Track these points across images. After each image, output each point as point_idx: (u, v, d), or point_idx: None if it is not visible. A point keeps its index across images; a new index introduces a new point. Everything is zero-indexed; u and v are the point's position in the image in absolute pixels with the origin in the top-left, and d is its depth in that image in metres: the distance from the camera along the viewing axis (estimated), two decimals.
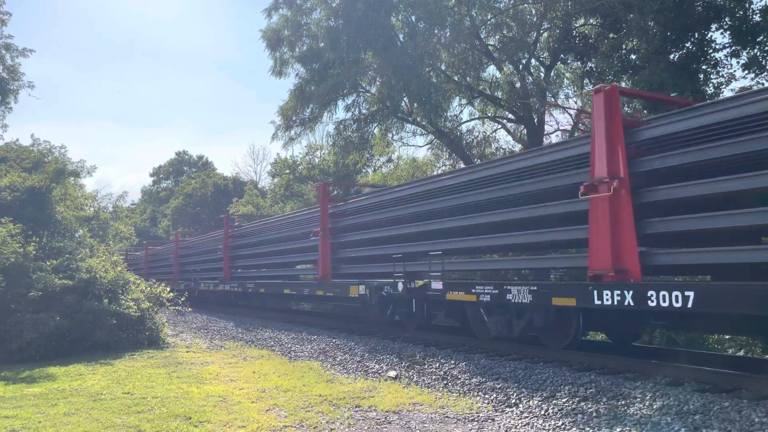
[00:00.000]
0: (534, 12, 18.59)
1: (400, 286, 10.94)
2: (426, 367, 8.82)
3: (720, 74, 13.34)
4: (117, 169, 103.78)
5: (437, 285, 10.09)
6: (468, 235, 10.47)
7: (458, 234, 10.66)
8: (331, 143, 22.75)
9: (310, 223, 15.35)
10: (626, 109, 15.65)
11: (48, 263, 12.45)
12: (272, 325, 15.41)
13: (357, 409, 6.66)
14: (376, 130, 22.04)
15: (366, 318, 13.32)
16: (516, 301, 8.34)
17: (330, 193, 15.69)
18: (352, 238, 14.08)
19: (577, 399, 6.46)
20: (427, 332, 11.33)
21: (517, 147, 21.84)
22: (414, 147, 47.23)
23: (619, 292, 6.90)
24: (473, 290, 9.17)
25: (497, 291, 8.69)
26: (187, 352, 11.96)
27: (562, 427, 5.66)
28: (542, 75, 19.25)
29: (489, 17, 18.70)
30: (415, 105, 19.35)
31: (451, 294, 9.74)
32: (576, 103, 20.42)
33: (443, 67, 19.63)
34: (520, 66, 19.19)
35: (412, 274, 11.18)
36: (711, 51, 13.20)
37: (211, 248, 23.60)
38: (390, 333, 12.31)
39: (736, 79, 13.50)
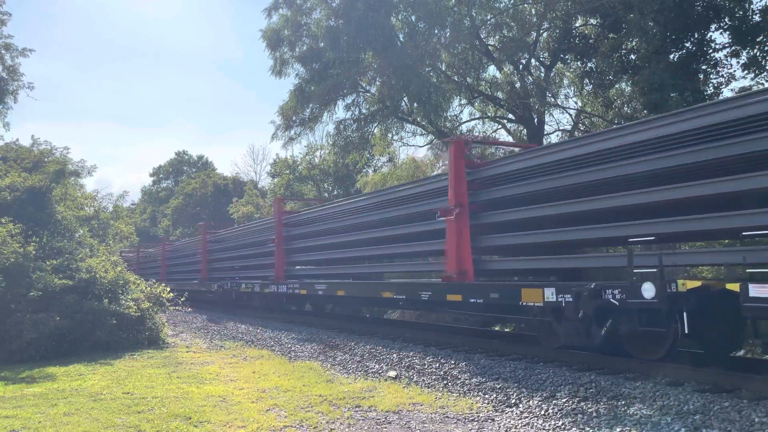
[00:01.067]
0: (534, 12, 18.59)
1: (649, 290, 6.76)
2: (426, 367, 8.82)
3: (720, 74, 13.35)
4: (117, 169, 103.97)
5: None
6: None
7: None
8: (331, 143, 22.75)
9: (427, 198, 11.45)
10: (626, 108, 15.67)
11: (48, 263, 12.45)
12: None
13: (357, 409, 6.66)
14: (376, 130, 22.04)
15: (552, 338, 8.58)
16: None
17: (464, 155, 10.60)
18: (513, 217, 9.65)
19: (577, 399, 6.46)
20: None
21: (517, 147, 21.84)
22: (414, 147, 47.34)
23: None
24: None
25: None
26: (187, 352, 11.96)
27: (562, 427, 5.66)
28: (542, 75, 19.24)
29: (489, 17, 18.71)
30: (415, 105, 19.34)
31: None
32: (576, 103, 20.43)
33: (443, 67, 19.63)
34: (520, 66, 19.19)
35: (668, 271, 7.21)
36: (711, 51, 13.20)
37: (254, 240, 19.55)
38: (390, 333, 12.23)
39: (735, 79, 13.51)
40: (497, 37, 19.40)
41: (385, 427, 5.93)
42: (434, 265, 11.30)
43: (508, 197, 9.79)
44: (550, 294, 8.00)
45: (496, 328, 14.50)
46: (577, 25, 17.49)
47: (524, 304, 8.42)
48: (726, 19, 12.79)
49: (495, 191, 10.11)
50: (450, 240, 10.10)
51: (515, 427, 5.77)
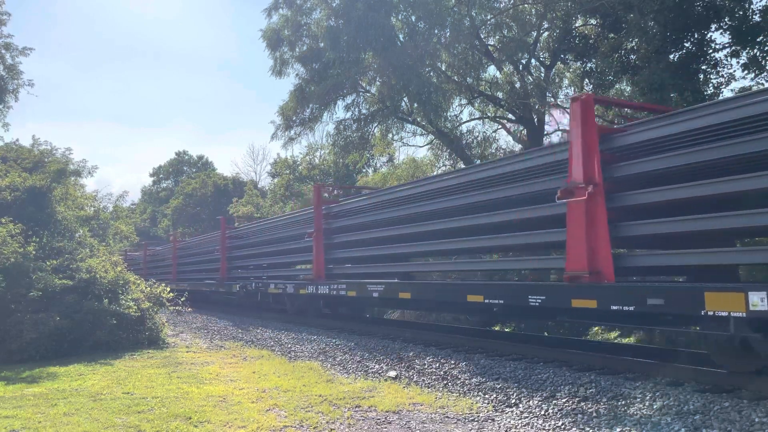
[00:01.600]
0: (534, 12, 18.59)
1: None
2: (426, 367, 8.82)
3: (720, 74, 13.33)
4: (117, 169, 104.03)
5: None
6: None
7: None
8: (331, 143, 22.74)
9: (525, 180, 8.72)
10: (626, 108, 15.64)
11: (48, 263, 12.45)
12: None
13: (357, 409, 6.66)
14: (376, 130, 22.05)
15: (748, 360, 6.39)
16: None
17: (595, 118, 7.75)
18: (687, 194, 6.61)
19: (577, 399, 6.46)
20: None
21: (518, 147, 21.85)
22: (414, 147, 47.43)
23: None
24: None
25: None
26: (187, 352, 11.96)
27: (562, 427, 5.66)
28: (542, 75, 19.25)
29: (489, 17, 18.72)
30: (415, 105, 19.36)
31: None
32: None
33: (443, 67, 19.64)
34: (520, 66, 19.19)
35: None
36: (711, 51, 13.20)
37: (286, 235, 17.14)
38: (390, 333, 12.25)
39: (735, 80, 13.49)
40: (497, 37, 19.42)
41: (385, 427, 5.93)
42: (541, 261, 9.27)
43: (670, 169, 6.84)
44: (758, 300, 5.58)
45: (496, 328, 14.50)
46: (577, 25, 17.50)
47: (710, 313, 5.92)
48: (726, 19, 12.78)
49: (649, 162, 7.10)
50: (575, 229, 7.54)
51: (515, 427, 5.77)
